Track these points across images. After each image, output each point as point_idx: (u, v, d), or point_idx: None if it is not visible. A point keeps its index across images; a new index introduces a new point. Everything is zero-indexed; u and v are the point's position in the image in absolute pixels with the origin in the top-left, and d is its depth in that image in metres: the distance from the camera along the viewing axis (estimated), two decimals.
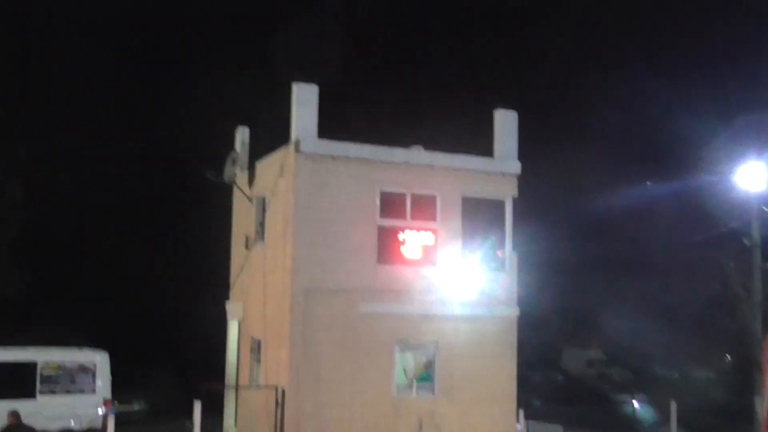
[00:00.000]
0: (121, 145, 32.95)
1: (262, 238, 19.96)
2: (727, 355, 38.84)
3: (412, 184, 18.78)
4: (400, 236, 18.70)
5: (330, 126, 18.77)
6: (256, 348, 20.00)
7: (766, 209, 21.80)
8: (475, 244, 19.34)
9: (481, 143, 20.16)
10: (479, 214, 19.35)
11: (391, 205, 18.64)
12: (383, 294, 18.29)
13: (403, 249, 18.71)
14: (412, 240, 18.78)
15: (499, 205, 19.65)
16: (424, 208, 18.94)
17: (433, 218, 18.99)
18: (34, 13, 37.53)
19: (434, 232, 18.96)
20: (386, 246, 18.50)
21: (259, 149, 20.92)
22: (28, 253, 30.93)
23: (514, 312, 19.58)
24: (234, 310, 21.51)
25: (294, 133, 18.09)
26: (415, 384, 18.67)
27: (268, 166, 19.86)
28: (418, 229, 18.85)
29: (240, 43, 48.69)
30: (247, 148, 21.89)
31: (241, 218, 21.85)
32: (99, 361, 19.10)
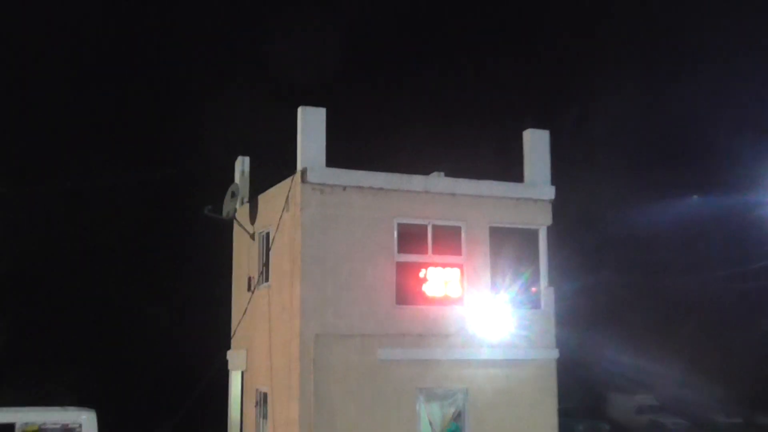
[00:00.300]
0: (107, 182, 33.05)
1: (266, 279, 19.99)
2: None
3: (433, 214, 18.85)
4: (422, 273, 18.71)
5: (340, 154, 18.93)
6: (262, 402, 19.93)
7: None
8: (506, 280, 19.38)
9: (509, 167, 20.45)
10: (510, 246, 19.38)
11: (410, 238, 18.68)
12: (404, 338, 18.27)
13: (425, 287, 18.74)
14: (435, 277, 18.80)
15: (531, 235, 19.70)
16: (448, 241, 18.96)
17: (458, 252, 19.01)
18: (16, 47, 37.99)
19: (460, 267, 18.98)
20: (406, 284, 18.55)
21: (261, 181, 21.18)
22: (9, 300, 30.92)
23: (552, 354, 19.48)
24: (236, 359, 21.51)
25: (300, 162, 18.20)
26: None
27: (271, 199, 19.95)
28: (442, 265, 18.86)
29: (239, 66, 48.94)
30: (247, 179, 22.06)
31: (243, 257, 21.91)
32: (85, 420, 18.73)
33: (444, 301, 18.82)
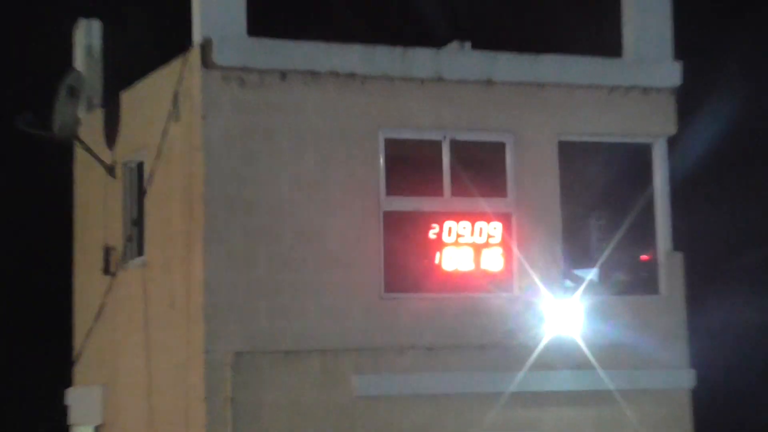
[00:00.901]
0: None
1: (140, 251, 20.13)
2: None
3: (452, 121, 18.90)
4: (433, 232, 18.70)
5: (276, 13, 19.74)
6: None
7: None
8: (591, 241, 19.77)
9: (594, 29, 21.06)
10: (597, 177, 19.81)
11: (410, 167, 19.01)
12: (401, 356, 18.32)
13: (439, 259, 18.74)
14: (458, 239, 18.75)
15: (638, 155, 19.89)
16: (481, 171, 19.11)
17: (501, 191, 19.06)
18: None
19: (504, 219, 18.95)
20: (404, 255, 18.68)
21: (125, 65, 21.75)
22: None
23: (683, 380, 19.57)
24: (84, 404, 21.65)
25: (198, 28, 18.20)
26: None
27: (145, 99, 20.09)
28: (470, 217, 18.82)
29: None
30: (99, 63, 22.24)
31: (93, 210, 22.04)
32: None
33: (475, 283, 18.81)
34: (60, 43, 22.73)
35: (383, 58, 18.61)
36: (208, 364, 17.42)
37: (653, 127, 19.78)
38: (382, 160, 18.51)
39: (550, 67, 19.38)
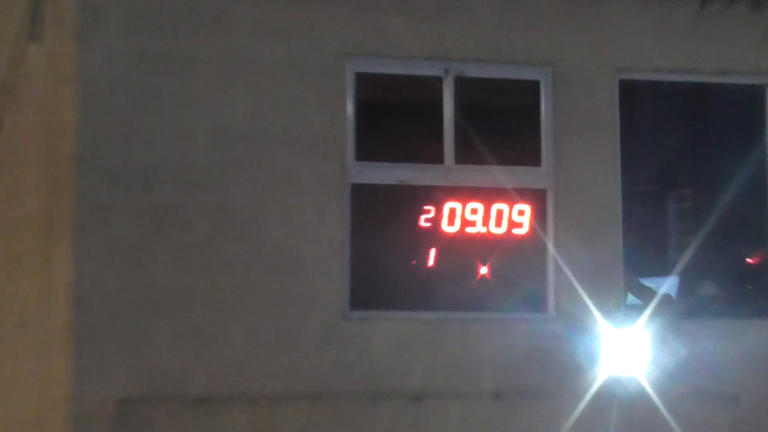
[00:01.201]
0: None
1: None
2: None
3: (458, 47, 18.37)
4: (426, 217, 18.30)
5: None
6: None
7: None
8: (668, 235, 20.11)
9: None
10: (679, 136, 19.92)
11: (392, 118, 18.29)
12: (373, 406, 17.64)
13: (434, 259, 18.41)
14: (464, 228, 18.22)
15: (744, 103, 19.43)
16: (501, 124, 18.62)
17: (533, 155, 18.44)
18: None
19: (535, 199, 18.43)
20: (378, 252, 18.24)
21: None
22: None
23: None
24: None
25: None
26: None
27: None
28: (483, 195, 18.24)
29: None
30: None
31: None
32: None
33: (491, 298, 18.21)
34: None
35: None
36: (75, 418, 16.79)
37: (767, 60, 18.75)
38: (350, 107, 17.89)
39: None
